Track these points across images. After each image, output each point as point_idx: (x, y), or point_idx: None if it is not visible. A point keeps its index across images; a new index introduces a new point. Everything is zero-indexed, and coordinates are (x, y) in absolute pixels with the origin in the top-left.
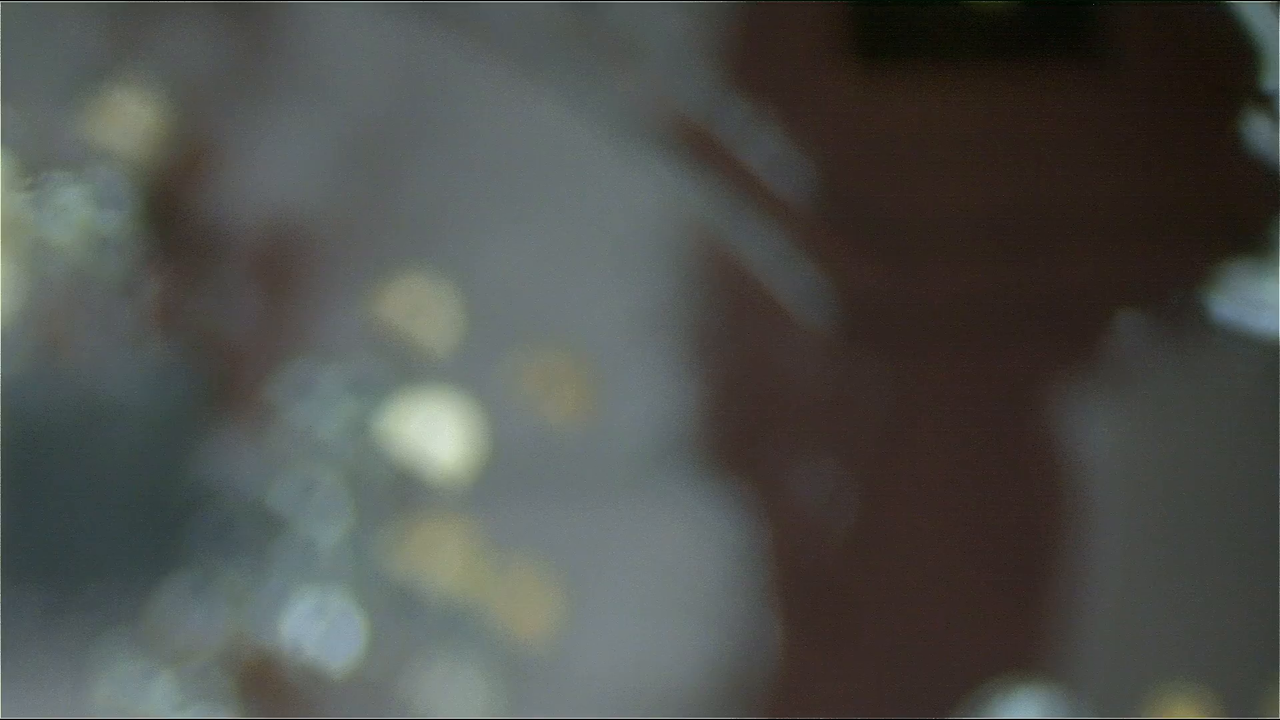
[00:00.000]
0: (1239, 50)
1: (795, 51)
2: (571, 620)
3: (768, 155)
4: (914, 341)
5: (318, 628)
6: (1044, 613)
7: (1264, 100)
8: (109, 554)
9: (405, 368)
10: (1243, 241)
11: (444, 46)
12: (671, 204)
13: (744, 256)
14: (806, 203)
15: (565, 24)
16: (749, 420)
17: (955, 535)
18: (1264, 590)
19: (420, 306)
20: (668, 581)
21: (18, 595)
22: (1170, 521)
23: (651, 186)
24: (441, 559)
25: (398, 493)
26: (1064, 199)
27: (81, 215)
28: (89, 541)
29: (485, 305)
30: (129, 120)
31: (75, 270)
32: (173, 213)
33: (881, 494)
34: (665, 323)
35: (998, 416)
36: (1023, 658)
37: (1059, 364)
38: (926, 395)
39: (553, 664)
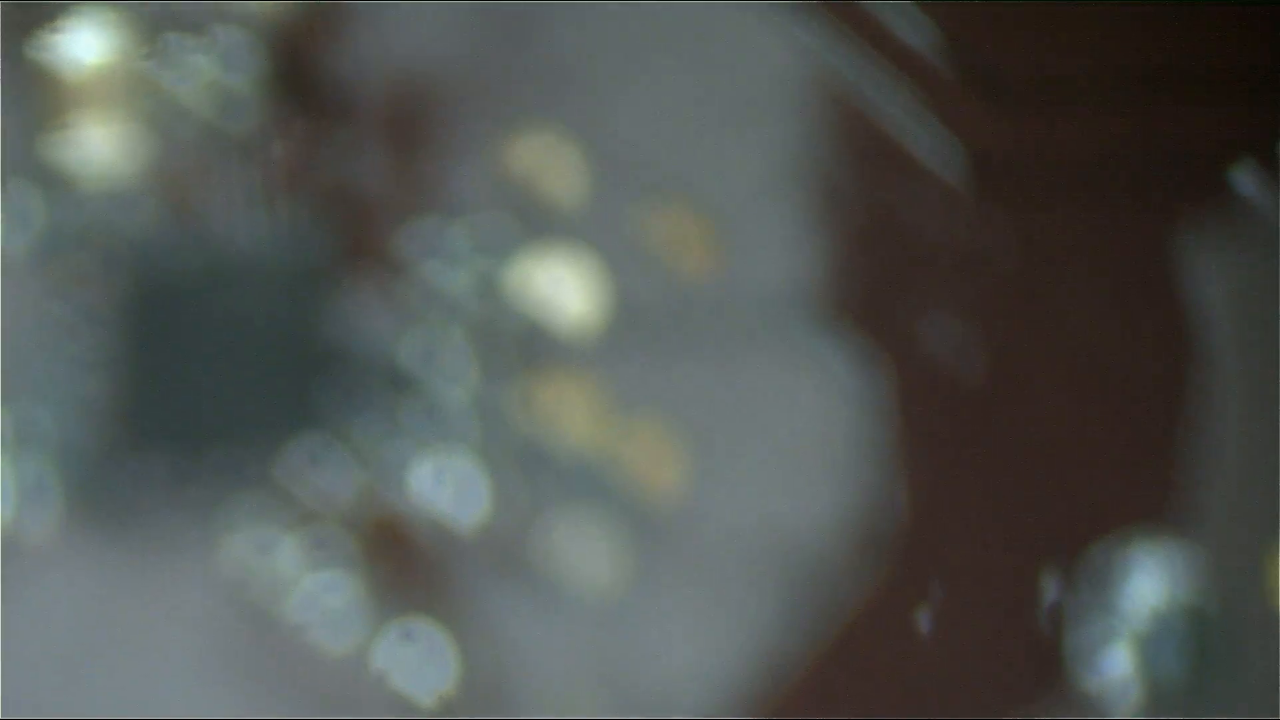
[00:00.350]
0: None
1: None
2: (699, 477)
3: (896, 10)
4: (1041, 197)
5: (445, 487)
6: (1170, 466)
7: None
8: (236, 415)
9: (533, 224)
10: None
11: None
12: (801, 59)
13: (873, 111)
14: (934, 58)
15: None
16: (877, 276)
17: (1081, 389)
18: None
19: (548, 162)
20: (796, 437)
21: (144, 459)
22: None
23: (781, 41)
24: (569, 416)
25: (525, 350)
26: (1188, 54)
27: (207, 75)
28: (216, 403)
29: (612, 160)
30: None
31: (201, 130)
32: (300, 70)
33: (1008, 349)
34: (793, 178)
35: (1123, 270)
36: (1149, 511)
37: (1185, 217)
38: (1053, 250)
39: (680, 521)
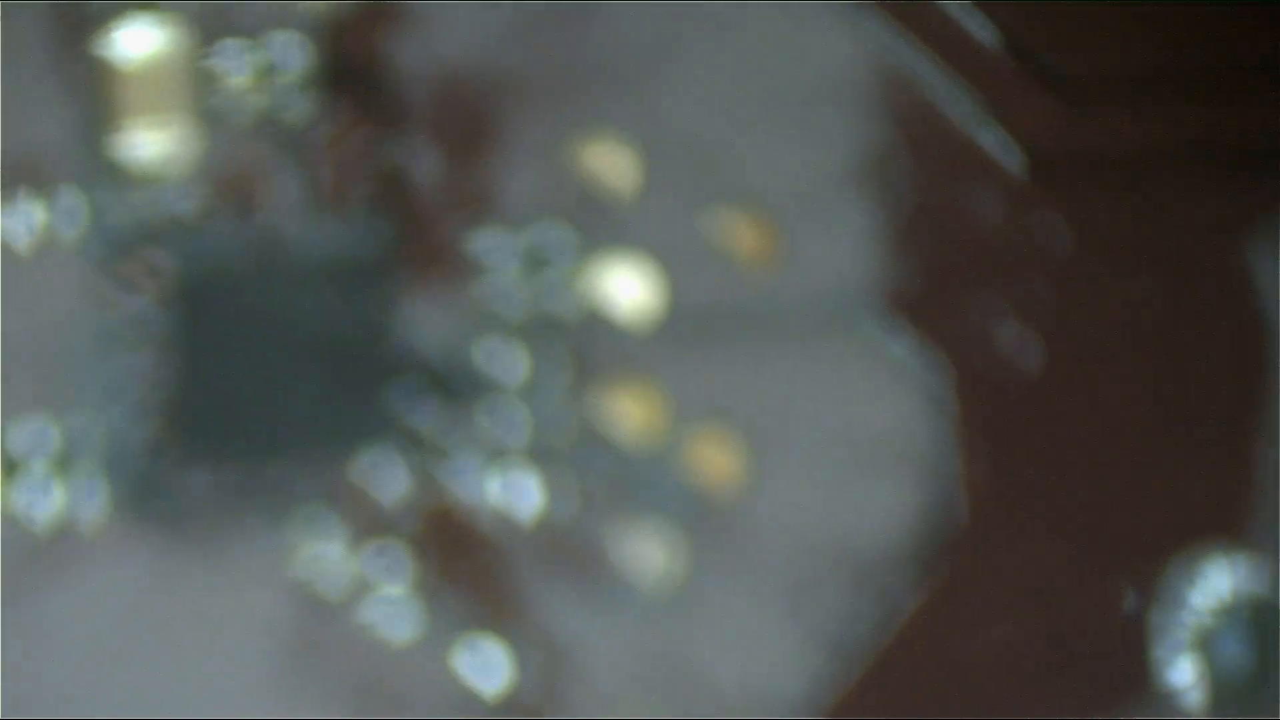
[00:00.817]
0: None
1: None
2: (759, 476)
3: (957, 6)
4: (1099, 192)
5: (506, 489)
6: (1236, 474)
7: None
8: (295, 418)
9: (591, 222)
10: None
11: None
12: (862, 53)
13: (934, 105)
14: (994, 52)
15: None
16: (939, 271)
17: (1145, 386)
18: None
19: (606, 160)
20: (853, 433)
21: (204, 463)
22: None
23: (841, 36)
24: (629, 416)
25: (584, 350)
26: (1245, 50)
27: (264, 74)
28: (273, 405)
29: (671, 157)
30: None
31: (260, 130)
32: (357, 70)
33: (1071, 345)
34: (854, 173)
35: (1180, 267)
36: (1217, 509)
37: (1241, 213)
38: (1111, 246)
39: (740, 520)
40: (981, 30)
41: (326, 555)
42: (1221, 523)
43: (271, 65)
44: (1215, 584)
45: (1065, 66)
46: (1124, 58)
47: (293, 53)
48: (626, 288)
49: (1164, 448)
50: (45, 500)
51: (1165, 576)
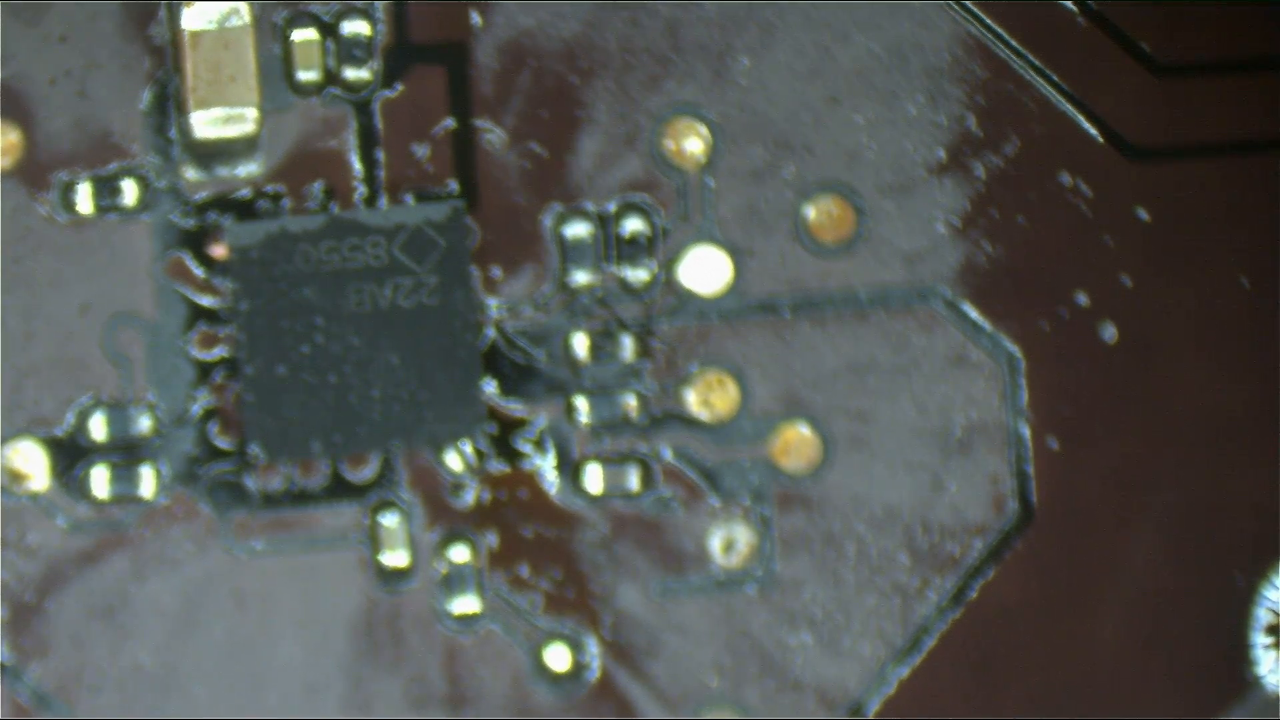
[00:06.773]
0: None
1: None
2: (834, 453)
3: None
4: (1188, 176)
5: (591, 471)
6: None
7: None
8: (378, 403)
9: (669, 209)
10: None
11: None
12: (949, 27)
13: (1018, 87)
14: (1083, 26)
15: None
16: (1018, 252)
17: (1227, 373)
18: None
19: (685, 148)
20: (930, 418)
21: (291, 448)
22: None
23: (927, 12)
24: (709, 397)
25: (668, 331)
26: None
27: (338, 51)
28: (358, 391)
29: (748, 143)
30: None
31: (331, 107)
32: (432, 47)
33: (1152, 330)
34: (938, 148)
35: (1270, 252)
36: None
37: None
38: (1200, 230)
39: (819, 502)
40: (1074, 11)
41: (401, 536)
42: None
43: (346, 39)
44: None
45: (1159, 49)
46: (1219, 43)
47: (357, 49)
48: (706, 269)
49: (1253, 433)
50: (115, 479)
51: (1262, 558)
